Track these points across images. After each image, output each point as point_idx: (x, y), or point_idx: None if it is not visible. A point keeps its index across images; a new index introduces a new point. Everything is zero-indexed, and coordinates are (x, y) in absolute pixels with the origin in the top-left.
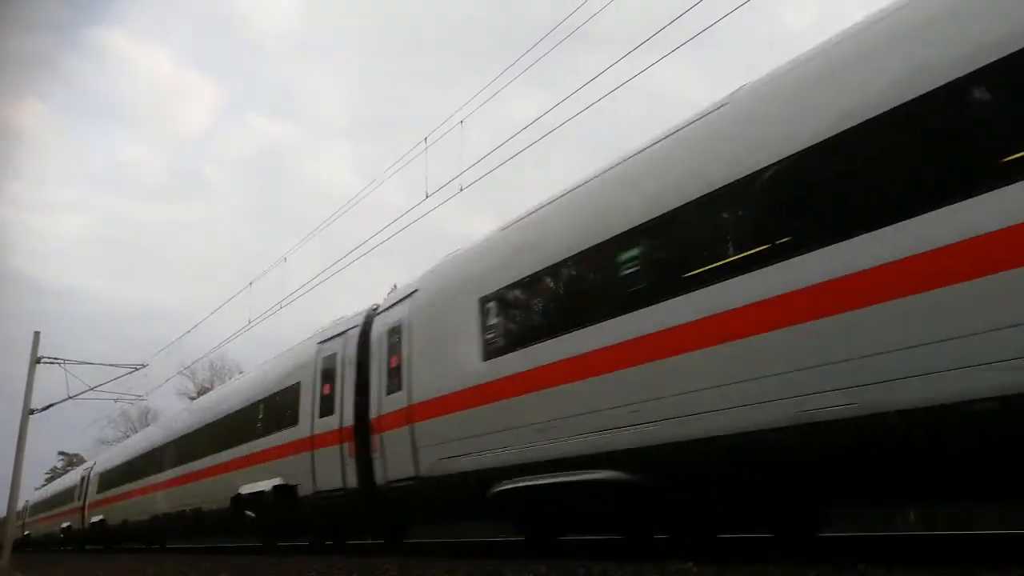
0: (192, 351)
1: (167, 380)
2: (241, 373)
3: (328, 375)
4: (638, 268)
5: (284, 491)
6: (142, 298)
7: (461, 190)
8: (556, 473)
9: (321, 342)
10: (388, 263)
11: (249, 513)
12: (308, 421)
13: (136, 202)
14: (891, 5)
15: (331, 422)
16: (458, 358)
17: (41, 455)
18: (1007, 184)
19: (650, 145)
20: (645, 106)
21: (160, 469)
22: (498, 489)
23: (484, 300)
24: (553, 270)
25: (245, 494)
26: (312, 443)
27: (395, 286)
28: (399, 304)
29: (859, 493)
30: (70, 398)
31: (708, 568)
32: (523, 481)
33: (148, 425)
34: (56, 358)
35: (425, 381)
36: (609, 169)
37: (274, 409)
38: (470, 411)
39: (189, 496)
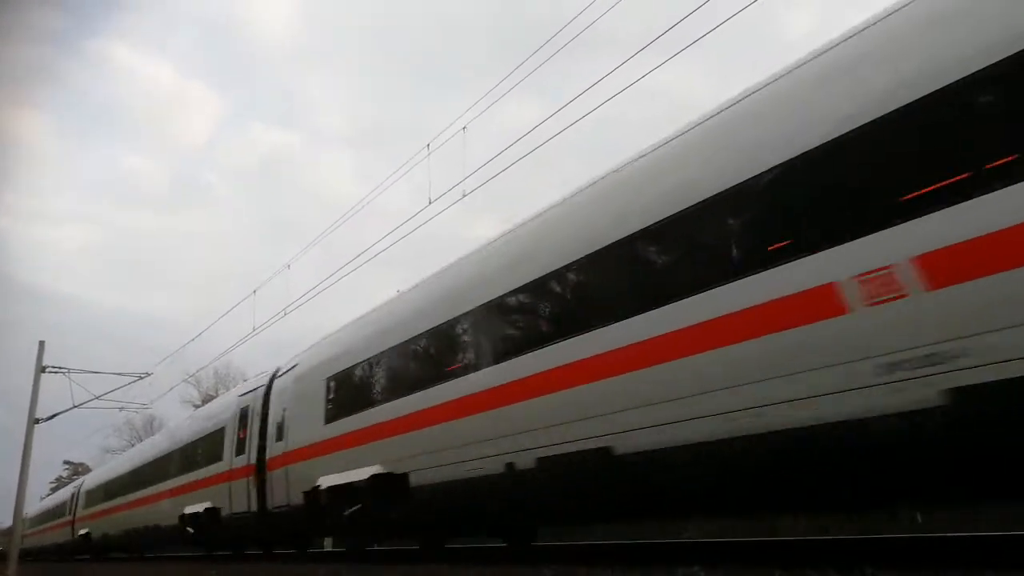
0: (197, 359)
1: (171, 388)
2: (190, 415)
3: (243, 422)
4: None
5: (212, 512)
6: (146, 307)
7: (464, 196)
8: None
9: (240, 395)
10: (391, 269)
11: (189, 529)
12: (229, 458)
13: (139, 211)
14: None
15: (243, 460)
16: (313, 419)
17: (46, 464)
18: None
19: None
20: (649, 110)
21: (130, 490)
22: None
23: (328, 379)
24: (367, 362)
25: (187, 513)
26: (230, 475)
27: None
28: (287, 373)
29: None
30: (75, 407)
31: (715, 571)
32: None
33: (153, 433)
34: (60, 367)
35: (295, 434)
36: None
37: (208, 447)
38: (317, 459)
39: (151, 514)
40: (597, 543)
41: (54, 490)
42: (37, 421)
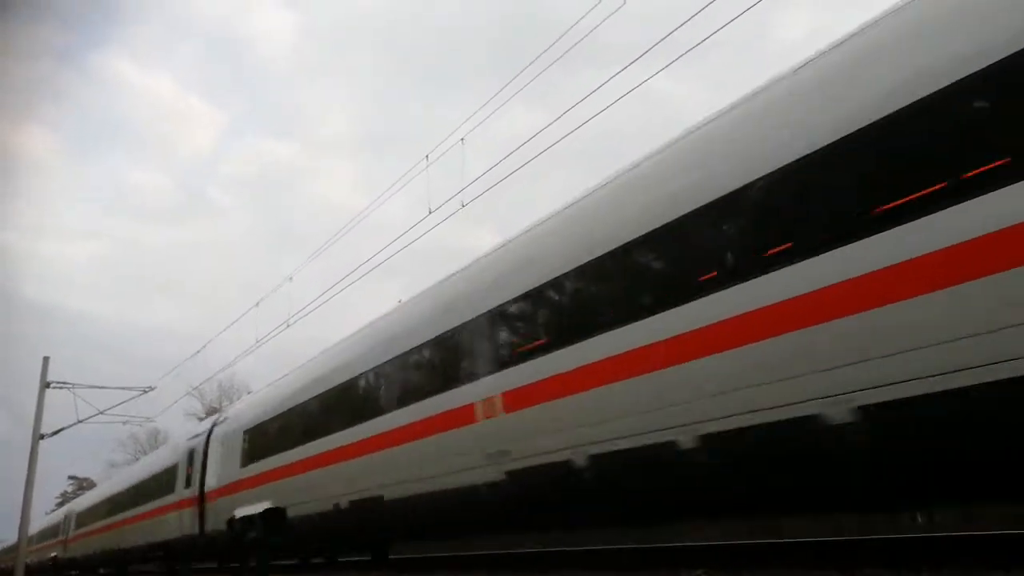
0: (201, 371)
1: (175, 402)
2: (154, 452)
3: (191, 461)
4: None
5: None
6: (150, 320)
7: (463, 206)
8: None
9: (189, 439)
10: (393, 278)
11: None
12: (179, 489)
13: (142, 224)
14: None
15: (190, 492)
16: (234, 463)
17: (52, 479)
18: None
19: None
20: (646, 118)
21: (104, 516)
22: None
23: (244, 431)
24: (281, 416)
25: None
26: (180, 504)
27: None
28: (221, 423)
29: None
30: (79, 422)
31: (720, 574)
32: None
33: (157, 447)
34: (64, 383)
35: (223, 473)
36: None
37: (164, 480)
38: (236, 495)
39: (123, 536)
40: (595, 549)
41: (59, 505)
42: (42, 437)
